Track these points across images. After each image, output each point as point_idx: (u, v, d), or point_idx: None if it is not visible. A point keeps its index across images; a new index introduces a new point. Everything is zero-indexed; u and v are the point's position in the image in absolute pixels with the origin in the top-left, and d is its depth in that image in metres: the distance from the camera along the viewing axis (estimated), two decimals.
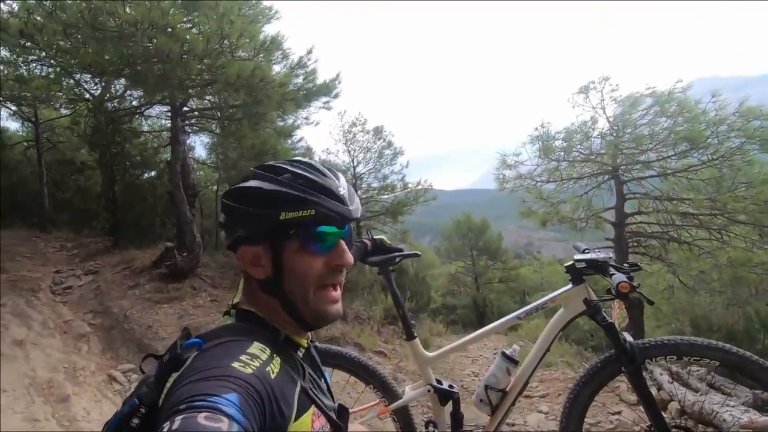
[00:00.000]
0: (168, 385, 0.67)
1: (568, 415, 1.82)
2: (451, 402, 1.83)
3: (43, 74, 7.28)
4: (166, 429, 0.51)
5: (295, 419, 0.72)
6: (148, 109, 8.44)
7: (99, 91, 8.47)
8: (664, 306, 6.86)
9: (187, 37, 4.83)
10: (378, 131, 12.51)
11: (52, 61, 6.34)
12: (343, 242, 0.85)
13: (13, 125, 12.76)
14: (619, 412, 4.00)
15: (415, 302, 10.20)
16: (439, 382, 1.86)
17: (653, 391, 4.05)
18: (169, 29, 4.68)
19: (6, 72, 7.26)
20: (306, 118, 8.97)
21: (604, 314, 1.74)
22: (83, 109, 9.31)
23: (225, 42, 5.01)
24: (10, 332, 4.33)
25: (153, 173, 11.20)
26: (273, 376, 0.69)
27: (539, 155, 6.66)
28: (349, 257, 0.85)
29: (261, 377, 0.66)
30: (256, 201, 0.81)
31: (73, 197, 12.21)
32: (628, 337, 1.71)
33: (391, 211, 12.44)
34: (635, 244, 6.59)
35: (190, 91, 5.92)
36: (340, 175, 0.92)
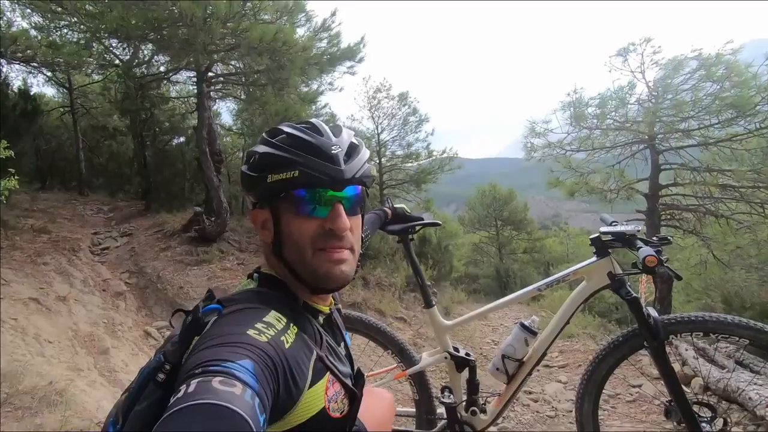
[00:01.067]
0: (191, 346, 0.69)
1: (585, 386, 1.81)
2: (467, 369, 1.85)
3: (74, 40, 7.40)
4: (182, 391, 0.53)
5: (310, 387, 0.73)
6: (175, 74, 8.49)
7: (128, 57, 8.56)
8: (695, 282, 6.65)
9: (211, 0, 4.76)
10: (403, 97, 12.23)
11: (81, 26, 6.41)
12: (340, 206, 0.81)
13: (50, 91, 13.17)
14: (639, 386, 3.99)
15: (437, 271, 10.26)
16: (456, 349, 1.88)
17: (676, 366, 4.04)
18: None
19: (39, 38, 7.42)
20: (330, 84, 8.85)
21: (629, 288, 1.69)
22: (113, 75, 9.47)
23: (248, 4, 4.91)
24: (54, 288, 4.63)
25: (182, 139, 11.41)
26: (287, 346, 0.70)
27: (570, 123, 6.34)
28: (343, 222, 0.80)
29: (275, 346, 0.67)
30: (252, 164, 0.83)
31: (108, 162, 12.66)
32: (653, 312, 1.66)
33: (415, 180, 12.34)
34: (668, 217, 6.30)
35: (215, 55, 5.89)
36: (345, 133, 0.89)
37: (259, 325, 0.69)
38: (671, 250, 7.07)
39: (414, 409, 1.94)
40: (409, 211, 1.91)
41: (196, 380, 0.54)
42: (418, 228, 1.90)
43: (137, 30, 4.77)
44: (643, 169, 6.20)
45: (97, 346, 3.72)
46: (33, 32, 7.50)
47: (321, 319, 0.90)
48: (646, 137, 5.96)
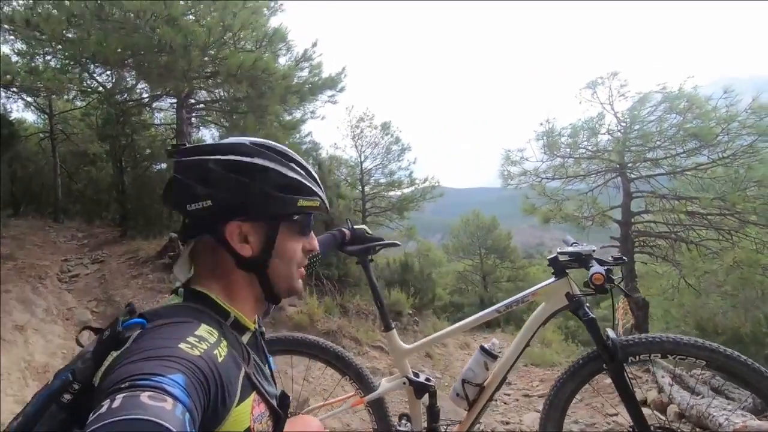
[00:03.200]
0: (106, 363, 0.65)
1: (548, 411, 1.77)
2: (427, 395, 1.79)
3: (56, 65, 7.43)
4: (105, 407, 0.49)
5: (237, 404, 0.70)
6: (156, 101, 8.52)
7: (111, 84, 8.60)
8: (674, 309, 6.72)
9: (190, 28, 4.84)
10: (386, 126, 12.48)
11: (60, 53, 6.43)
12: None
13: (30, 117, 13.05)
14: (616, 414, 3.93)
15: (419, 299, 10.15)
16: (416, 374, 1.82)
17: (653, 393, 4.00)
18: (173, 20, 4.71)
19: (20, 63, 7.42)
20: (312, 112, 8.96)
21: (587, 309, 1.68)
22: (95, 102, 9.47)
23: (228, 33, 5.01)
24: (12, 317, 4.41)
25: (163, 165, 11.32)
26: (220, 360, 0.67)
27: (544, 151, 6.53)
28: (317, 243, 0.95)
29: (208, 360, 0.64)
30: (275, 183, 0.83)
31: (86, 188, 12.42)
32: (611, 334, 1.66)
33: (397, 208, 12.41)
34: (642, 243, 6.43)
35: (194, 82, 5.95)
36: None
37: (191, 339, 0.65)
38: (649, 278, 7.16)
39: None
40: (369, 232, 1.90)
41: (122, 395, 0.50)
42: (377, 248, 1.88)
43: (115, 55, 4.81)
44: (615, 197, 6.37)
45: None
46: (15, 58, 7.52)
47: (246, 337, 0.87)
48: (617, 166, 6.16)
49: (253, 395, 0.76)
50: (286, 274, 0.87)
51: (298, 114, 8.91)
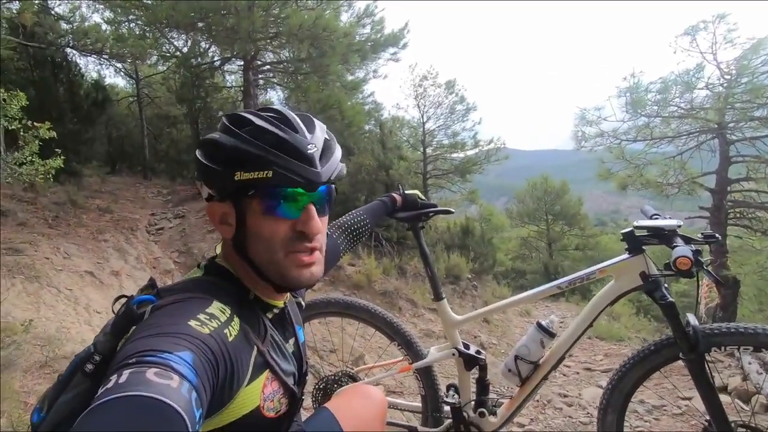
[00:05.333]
0: (127, 336, 0.66)
1: (610, 396, 1.65)
2: (477, 368, 1.74)
3: (138, 32, 7.95)
4: (112, 382, 0.50)
5: (247, 384, 0.70)
6: (227, 64, 8.83)
7: (187, 49, 9.05)
8: None
9: None
10: (450, 85, 11.93)
11: (141, 19, 6.81)
12: (312, 207, 0.78)
13: (121, 82, 14.30)
14: (690, 398, 3.63)
15: (479, 264, 9.98)
16: (466, 346, 1.77)
17: (736, 380, 3.62)
18: None
19: (108, 31, 8.02)
20: (374, 71, 8.79)
21: (665, 291, 1.49)
22: (174, 66, 10.05)
23: None
24: (110, 263, 5.01)
25: None
26: (230, 339, 0.67)
27: (626, 110, 5.80)
28: (315, 225, 0.78)
29: (217, 338, 0.64)
30: (215, 156, 0.75)
31: (168, 148, 13.51)
32: (693, 320, 1.46)
33: (459, 170, 12.06)
34: (738, 215, 5.62)
35: (259, 43, 6.02)
36: (317, 127, 0.83)
37: (201, 316, 0.65)
38: (743, 253, 6.36)
39: (420, 404, 1.87)
40: (422, 197, 1.82)
41: (129, 370, 0.51)
42: (430, 215, 1.80)
43: (186, 20, 4.98)
44: (709, 162, 5.54)
45: None
46: (104, 26, 8.14)
47: (271, 314, 0.86)
48: (715, 126, 5.31)
49: (266, 373, 0.76)
50: (268, 258, 0.77)
51: (360, 74, 8.80)
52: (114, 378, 0.50)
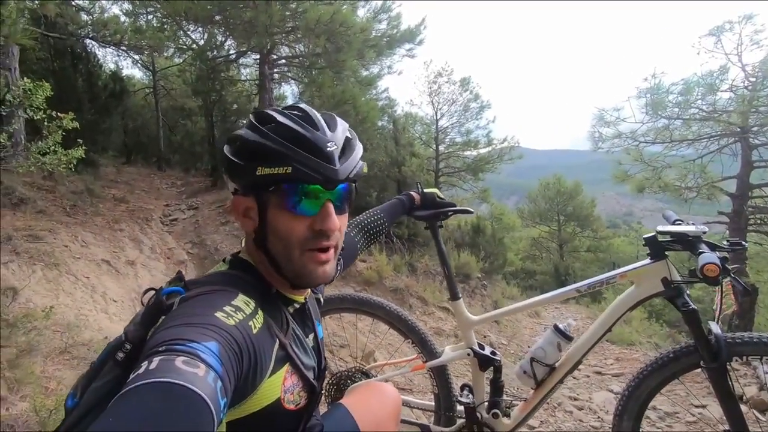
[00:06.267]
0: (156, 325, 0.68)
1: (626, 403, 1.62)
2: (492, 369, 1.73)
3: (156, 25, 8.03)
4: (143, 368, 0.52)
5: (269, 376, 0.72)
6: (242, 57, 8.86)
7: (203, 42, 9.12)
8: None
9: None
10: (465, 82, 11.84)
11: (159, 11, 6.87)
12: (330, 204, 0.79)
13: (138, 73, 14.47)
14: (704, 406, 3.57)
15: (489, 263, 9.93)
16: (481, 346, 1.76)
17: (753, 389, 3.56)
18: None
19: (126, 23, 8.11)
20: (389, 67, 8.77)
21: (687, 298, 1.47)
22: (190, 59, 10.14)
23: None
24: (125, 253, 5.09)
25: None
26: (255, 331, 0.69)
27: (646, 111, 5.69)
28: (333, 222, 0.78)
29: (243, 330, 0.66)
30: (239, 151, 0.78)
31: (183, 140, 13.67)
32: (715, 328, 1.43)
33: (472, 168, 11.99)
34: (759, 221, 5.49)
35: (276, 38, 6.04)
36: (339, 126, 0.84)
37: (227, 308, 0.67)
38: (759, 260, 6.23)
39: (433, 403, 1.87)
40: (441, 196, 1.81)
41: (159, 357, 0.53)
42: (449, 214, 1.78)
43: (204, 12, 5.01)
44: (731, 166, 5.41)
45: None
46: (123, 18, 8.24)
47: (292, 309, 0.88)
48: (738, 129, 5.18)
49: (287, 366, 0.77)
50: (284, 254, 0.78)
51: (375, 69, 8.77)
52: (145, 364, 0.53)
